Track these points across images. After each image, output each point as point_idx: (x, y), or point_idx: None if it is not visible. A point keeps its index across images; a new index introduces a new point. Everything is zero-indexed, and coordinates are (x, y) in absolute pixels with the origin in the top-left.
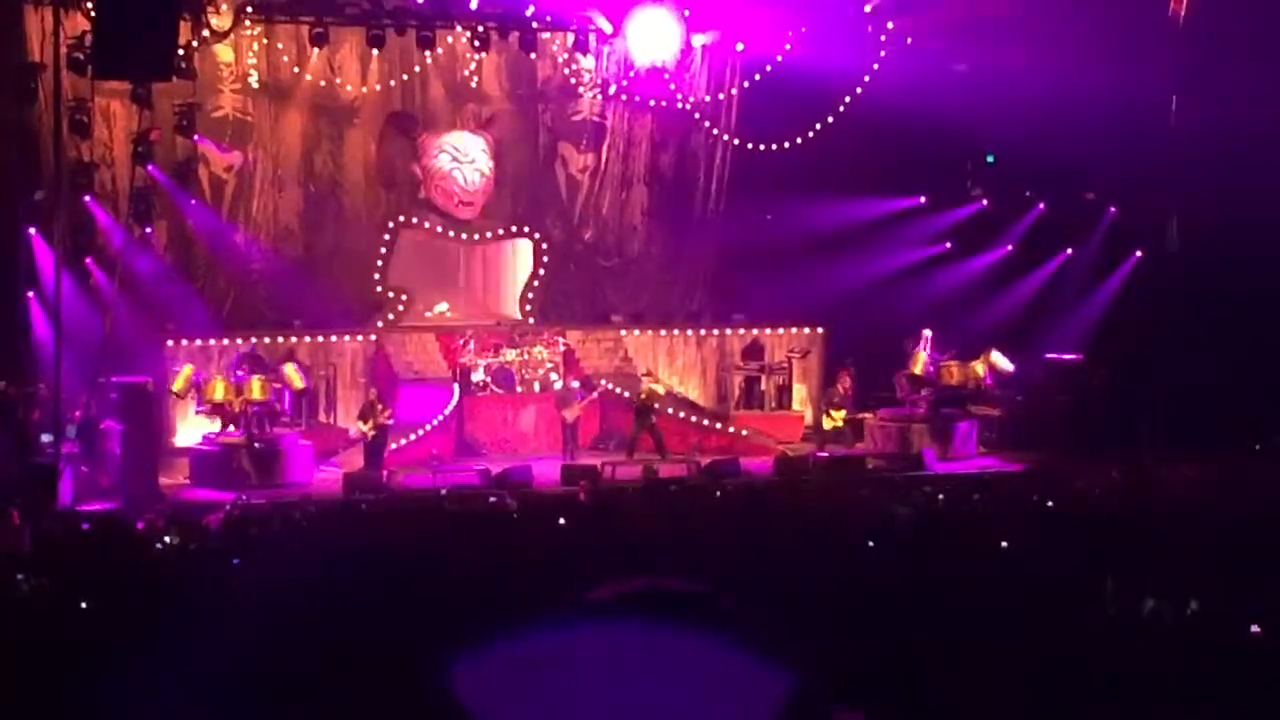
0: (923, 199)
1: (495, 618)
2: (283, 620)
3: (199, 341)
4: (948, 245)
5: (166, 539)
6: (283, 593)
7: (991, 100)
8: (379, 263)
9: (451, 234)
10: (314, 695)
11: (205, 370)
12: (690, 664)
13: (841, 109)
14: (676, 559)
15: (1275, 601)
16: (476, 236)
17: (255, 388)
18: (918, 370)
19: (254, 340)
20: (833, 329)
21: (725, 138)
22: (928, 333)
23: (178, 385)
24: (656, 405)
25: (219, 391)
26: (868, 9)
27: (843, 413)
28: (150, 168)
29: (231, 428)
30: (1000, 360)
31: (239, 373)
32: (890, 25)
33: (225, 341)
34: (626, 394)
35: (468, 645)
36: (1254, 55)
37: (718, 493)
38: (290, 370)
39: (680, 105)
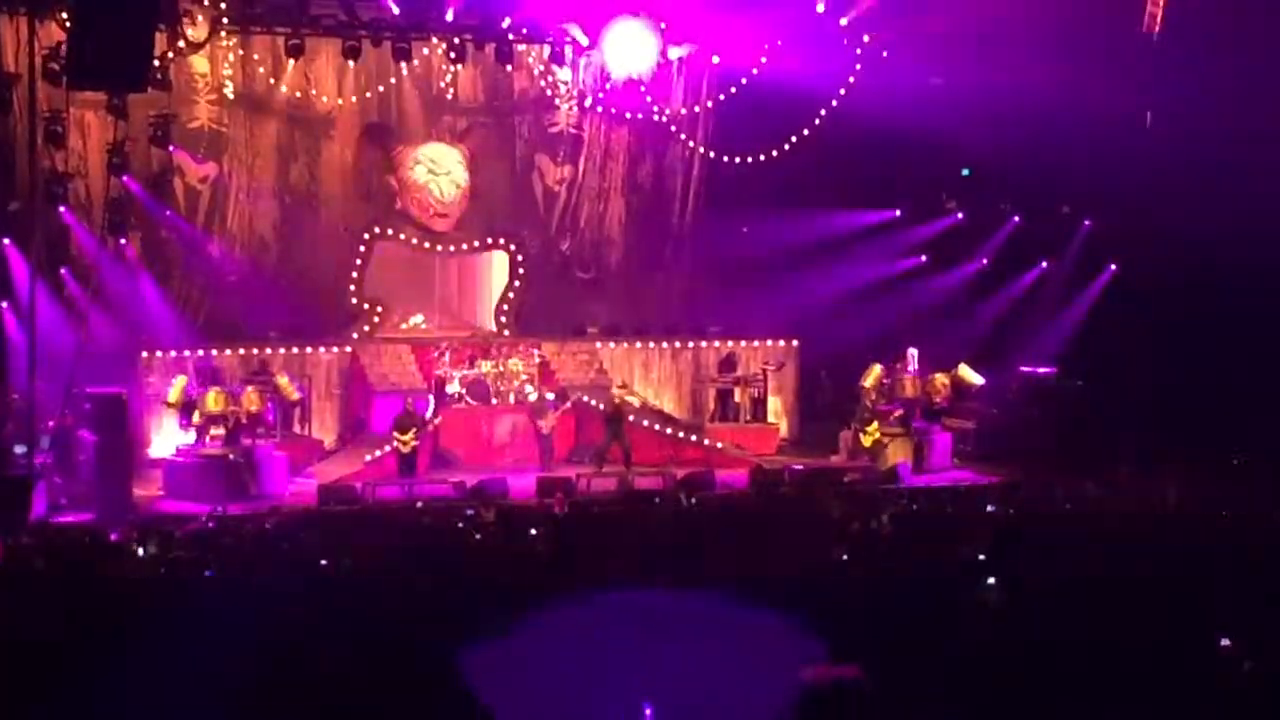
0: (898, 212)
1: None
2: (257, 631)
3: (173, 353)
4: (923, 258)
5: (141, 550)
6: (257, 603)
7: (967, 113)
8: (354, 274)
9: (427, 246)
10: (290, 704)
11: (193, 381)
12: (717, 638)
13: (817, 122)
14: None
15: (1245, 615)
16: (452, 248)
17: (253, 399)
18: (868, 384)
19: (229, 351)
20: (808, 342)
21: (701, 150)
22: (913, 351)
23: (173, 397)
24: (632, 416)
25: (213, 403)
26: (844, 22)
27: (876, 425)
28: (125, 178)
29: (215, 433)
30: (969, 374)
31: (212, 383)
32: (866, 39)
33: (200, 353)
34: (601, 406)
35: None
36: (1228, 67)
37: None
38: (284, 382)
39: (656, 118)
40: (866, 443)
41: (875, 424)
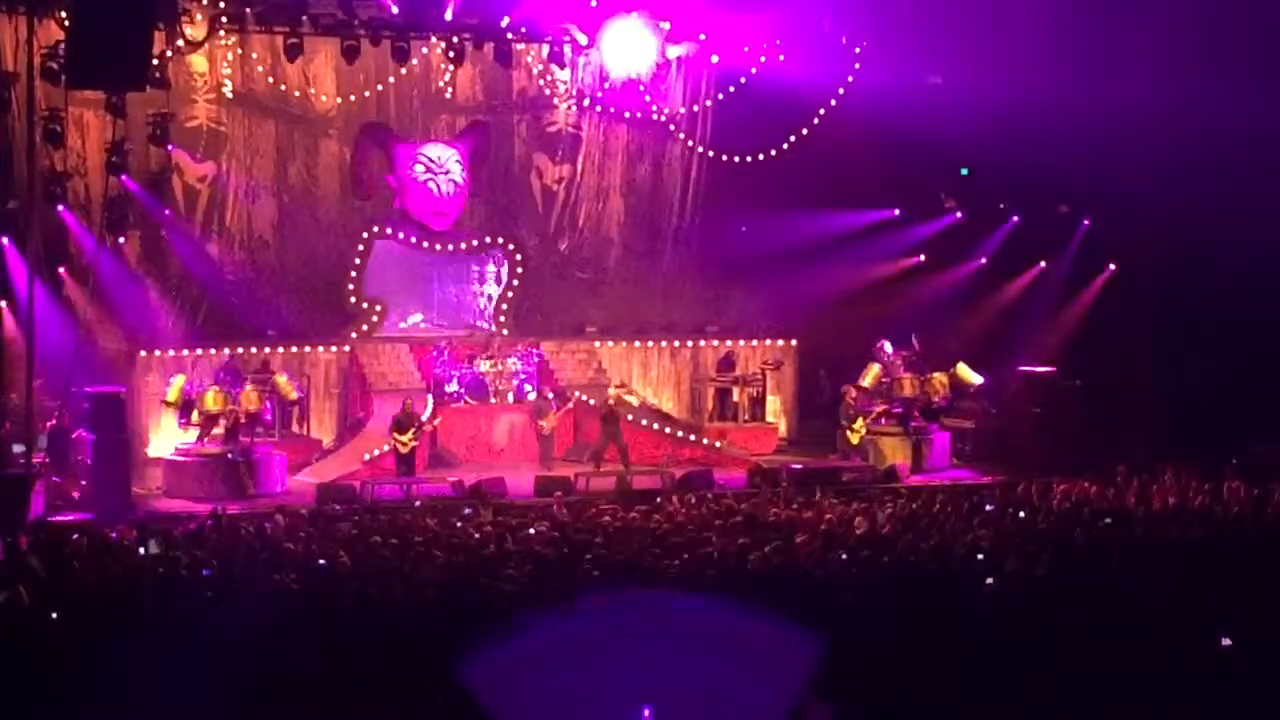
0: (897, 211)
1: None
2: (256, 630)
3: (172, 352)
4: (921, 258)
5: (142, 549)
6: (256, 603)
7: (966, 113)
8: (353, 273)
9: (426, 245)
10: (288, 704)
11: (192, 380)
12: (717, 639)
13: (816, 121)
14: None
15: (1245, 613)
16: (451, 247)
17: (252, 398)
18: (867, 383)
19: (227, 351)
20: (806, 341)
21: (700, 149)
22: (887, 345)
23: (172, 396)
24: (630, 415)
25: (212, 402)
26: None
27: (861, 422)
28: (124, 178)
29: (215, 432)
30: (967, 373)
31: (232, 384)
32: (864, 43)
33: (199, 352)
34: (598, 405)
35: (465, 646)
36: (1230, 68)
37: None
38: (283, 381)
39: (655, 117)
40: (854, 440)
41: (860, 421)
